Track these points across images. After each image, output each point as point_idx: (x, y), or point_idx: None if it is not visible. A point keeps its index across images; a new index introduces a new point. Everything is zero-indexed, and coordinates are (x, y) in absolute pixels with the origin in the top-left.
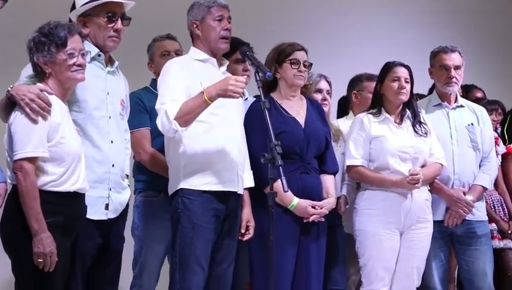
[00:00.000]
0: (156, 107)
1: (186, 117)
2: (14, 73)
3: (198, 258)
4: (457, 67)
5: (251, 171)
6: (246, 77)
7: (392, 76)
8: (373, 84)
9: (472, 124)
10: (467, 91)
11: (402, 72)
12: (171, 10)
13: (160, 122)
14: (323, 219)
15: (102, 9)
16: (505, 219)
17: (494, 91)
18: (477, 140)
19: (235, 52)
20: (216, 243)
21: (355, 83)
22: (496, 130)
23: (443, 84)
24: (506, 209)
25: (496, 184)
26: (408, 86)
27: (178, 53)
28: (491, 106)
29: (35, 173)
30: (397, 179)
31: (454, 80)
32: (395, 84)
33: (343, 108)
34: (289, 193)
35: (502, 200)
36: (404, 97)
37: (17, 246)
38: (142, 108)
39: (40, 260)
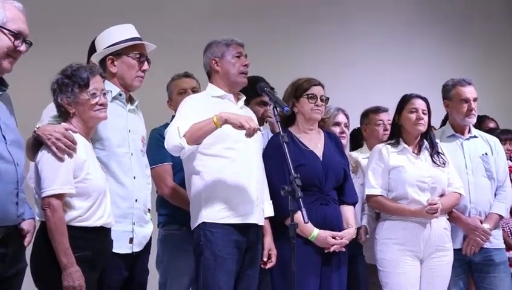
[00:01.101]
0: (165, 130)
1: (194, 135)
2: None
3: (222, 289)
4: (475, 100)
5: (271, 201)
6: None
7: (410, 107)
8: (378, 116)
9: (486, 153)
10: (480, 122)
11: (419, 103)
12: (189, 50)
13: (168, 137)
14: (344, 249)
15: (132, 50)
16: None
17: (506, 120)
18: (491, 169)
19: (258, 95)
20: (239, 274)
21: (364, 117)
22: (510, 159)
23: (464, 117)
24: None
25: None
26: (426, 117)
27: (195, 90)
28: (504, 135)
29: (62, 209)
30: (416, 209)
31: (473, 111)
32: (413, 116)
33: (356, 140)
34: (309, 224)
35: None
36: (422, 128)
37: (48, 281)
38: (163, 144)
39: None
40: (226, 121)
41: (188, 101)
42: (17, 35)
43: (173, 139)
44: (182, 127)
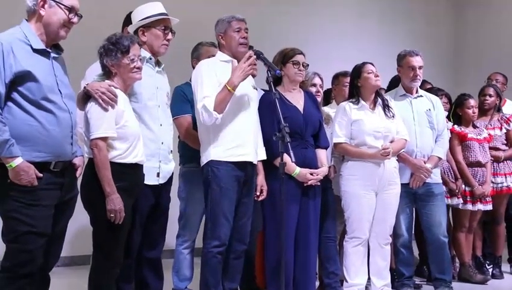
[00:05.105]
0: (196, 106)
1: (220, 106)
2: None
3: (225, 213)
4: (420, 67)
5: (264, 147)
6: (248, 55)
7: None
8: (346, 79)
9: (429, 109)
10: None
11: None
12: (205, 23)
13: (201, 116)
14: (319, 183)
15: (159, 23)
16: (452, 181)
17: (440, 82)
18: (433, 122)
19: None
20: (238, 201)
21: (334, 79)
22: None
23: (410, 81)
24: (453, 174)
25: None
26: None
27: None
28: (440, 92)
29: (106, 149)
30: (373, 153)
31: (418, 77)
32: (371, 76)
33: (327, 98)
34: (293, 163)
35: (450, 167)
36: (379, 83)
37: (95, 205)
38: (184, 98)
39: (112, 215)
40: (238, 84)
41: (203, 68)
42: (70, 9)
43: (209, 117)
44: (208, 104)
